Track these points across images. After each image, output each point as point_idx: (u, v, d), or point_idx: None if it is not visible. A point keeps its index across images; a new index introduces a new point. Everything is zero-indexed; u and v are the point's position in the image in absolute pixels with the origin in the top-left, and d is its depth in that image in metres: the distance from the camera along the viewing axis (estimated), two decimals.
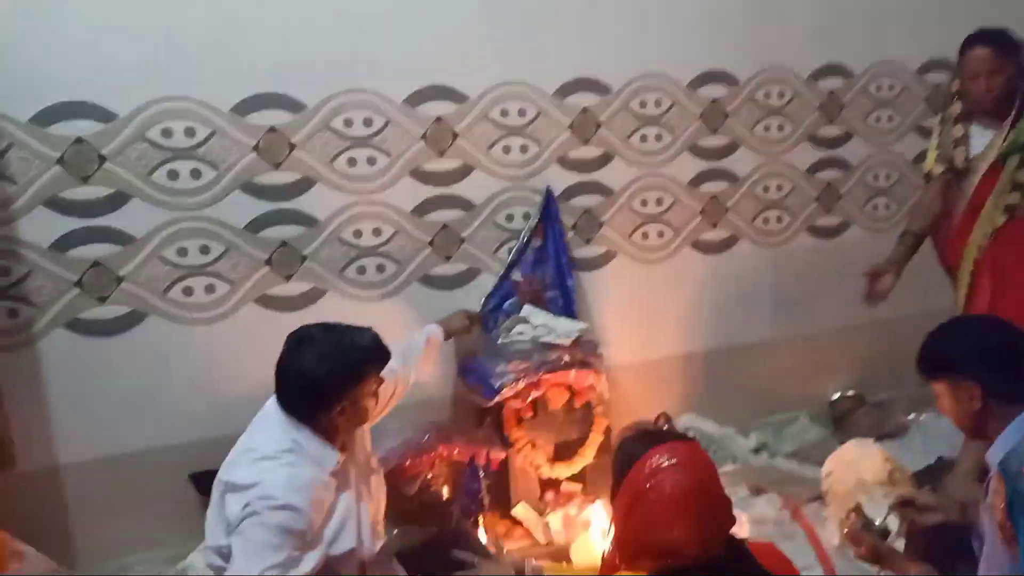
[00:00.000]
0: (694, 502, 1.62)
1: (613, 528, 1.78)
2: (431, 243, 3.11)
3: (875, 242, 3.80)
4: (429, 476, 2.89)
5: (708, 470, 1.71)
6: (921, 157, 3.83)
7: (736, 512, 1.77)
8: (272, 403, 2.03)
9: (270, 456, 1.92)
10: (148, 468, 2.82)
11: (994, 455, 1.98)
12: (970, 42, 2.95)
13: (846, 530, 2.15)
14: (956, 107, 3.08)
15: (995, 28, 2.96)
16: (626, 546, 1.74)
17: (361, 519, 2.07)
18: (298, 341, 1.98)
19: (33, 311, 2.68)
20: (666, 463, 1.64)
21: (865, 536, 2.06)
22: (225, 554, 1.92)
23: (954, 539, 2.19)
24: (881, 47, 3.68)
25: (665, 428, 3.18)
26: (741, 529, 2.64)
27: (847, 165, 3.73)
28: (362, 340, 2.00)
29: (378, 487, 2.24)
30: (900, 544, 2.53)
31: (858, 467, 2.83)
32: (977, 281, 3.05)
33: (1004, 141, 2.94)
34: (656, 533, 1.63)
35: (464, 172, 3.11)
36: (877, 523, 2.17)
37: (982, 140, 3.00)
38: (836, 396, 3.72)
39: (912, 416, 3.64)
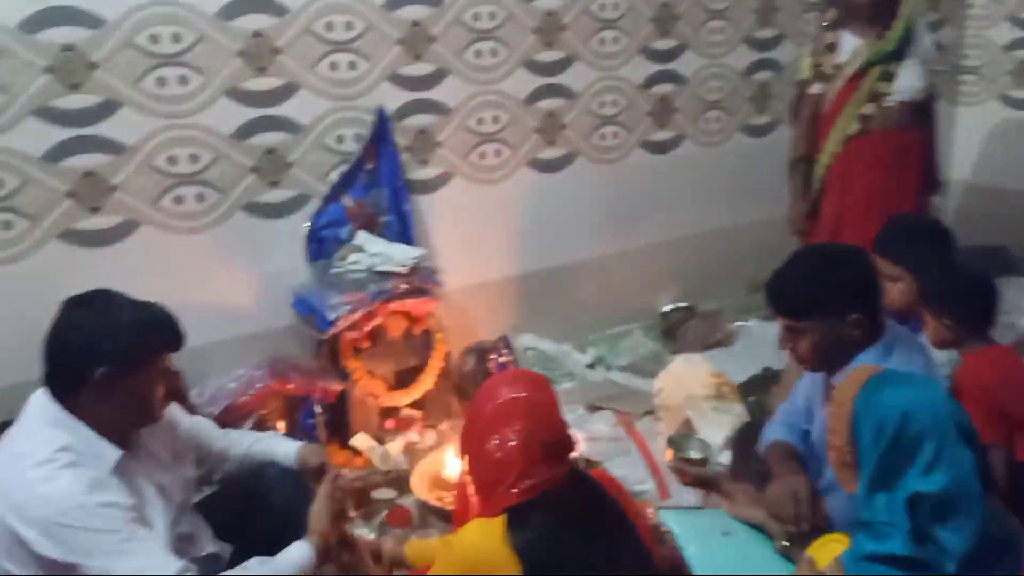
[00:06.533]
0: (525, 414, 1.73)
1: (465, 459, 1.85)
2: (254, 169, 2.92)
3: (707, 155, 3.88)
4: (263, 413, 2.82)
5: (541, 387, 1.84)
6: (751, 69, 3.93)
7: (572, 432, 1.85)
8: (38, 396, 1.74)
9: (42, 461, 1.63)
10: None
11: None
12: None
13: (669, 463, 2.21)
14: (831, 13, 3.10)
15: None
16: (475, 476, 1.81)
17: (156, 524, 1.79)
18: (70, 305, 1.73)
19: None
20: (505, 387, 1.80)
21: (686, 467, 2.13)
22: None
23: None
24: None
25: (504, 352, 3.21)
26: (576, 447, 2.72)
27: (680, 79, 3.75)
28: (144, 313, 1.74)
29: (176, 483, 1.91)
30: (726, 456, 2.66)
31: (687, 383, 2.95)
32: (826, 191, 3.09)
33: (872, 51, 2.98)
34: (495, 451, 1.71)
35: (289, 91, 2.92)
36: (692, 455, 2.23)
37: (851, 47, 3.02)
38: (667, 308, 3.83)
39: (739, 324, 3.81)
